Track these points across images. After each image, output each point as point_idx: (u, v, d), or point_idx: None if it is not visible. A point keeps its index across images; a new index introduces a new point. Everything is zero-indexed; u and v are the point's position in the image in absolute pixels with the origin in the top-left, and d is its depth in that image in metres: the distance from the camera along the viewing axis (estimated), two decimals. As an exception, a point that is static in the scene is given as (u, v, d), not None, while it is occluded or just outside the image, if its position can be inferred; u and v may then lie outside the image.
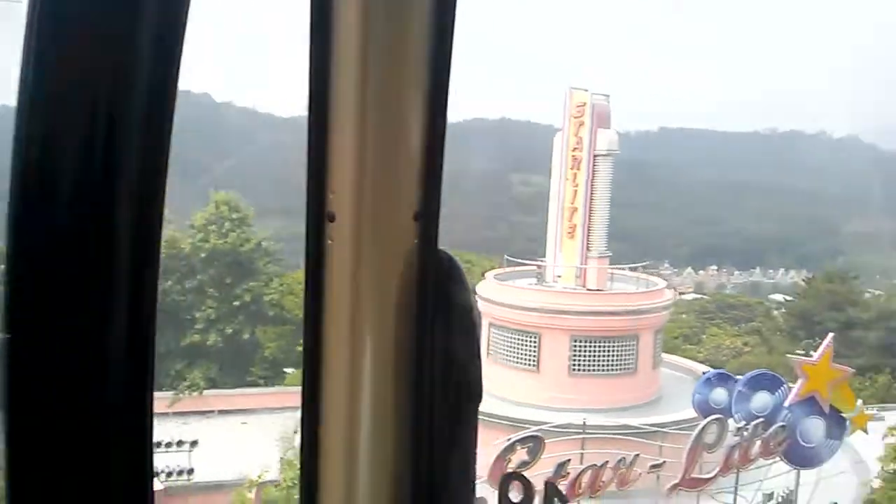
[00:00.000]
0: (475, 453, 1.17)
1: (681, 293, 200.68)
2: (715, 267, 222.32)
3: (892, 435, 24.78)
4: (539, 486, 11.89)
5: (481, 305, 30.85)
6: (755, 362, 44.72)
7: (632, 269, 33.16)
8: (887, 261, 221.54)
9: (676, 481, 22.03)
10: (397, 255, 1.06)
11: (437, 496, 1.13)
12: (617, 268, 32.40)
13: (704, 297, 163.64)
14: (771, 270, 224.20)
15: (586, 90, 29.72)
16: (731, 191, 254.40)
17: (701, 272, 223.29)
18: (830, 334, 24.48)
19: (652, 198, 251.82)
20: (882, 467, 25.16)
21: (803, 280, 74.09)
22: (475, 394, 1.14)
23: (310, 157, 1.02)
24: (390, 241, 1.06)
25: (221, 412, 33.93)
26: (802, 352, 36.21)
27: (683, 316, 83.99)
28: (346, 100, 0.99)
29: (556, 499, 10.96)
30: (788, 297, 70.30)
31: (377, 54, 0.98)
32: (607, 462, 22.20)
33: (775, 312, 75.82)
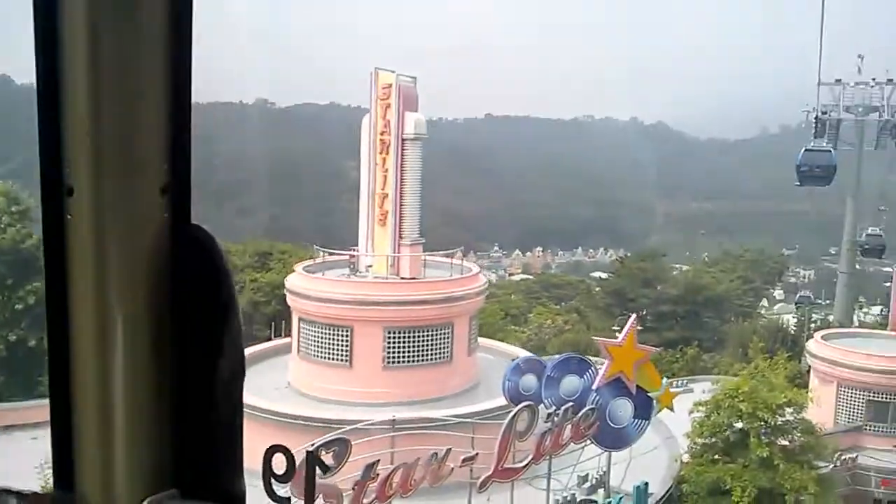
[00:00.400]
0: (241, 432, 1.17)
1: (510, 274, 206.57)
2: (541, 248, 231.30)
3: (698, 410, 25.52)
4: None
5: (290, 300, 28.94)
6: (575, 340, 45.89)
7: (447, 256, 32.39)
8: (694, 239, 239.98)
9: (489, 473, 21.35)
10: (144, 230, 1.04)
11: (202, 476, 1.12)
12: (430, 254, 31.54)
13: (530, 277, 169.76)
14: (592, 250, 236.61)
15: (393, 71, 28.43)
16: (554, 175, 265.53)
17: (528, 254, 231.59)
18: (633, 315, 24.74)
19: (481, 183, 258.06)
20: (690, 442, 25.91)
21: (617, 259, 77.71)
22: (237, 371, 1.14)
23: (41, 127, 0.99)
24: (135, 215, 1.03)
25: (8, 427, 30.04)
26: (618, 328, 37.27)
27: (512, 297, 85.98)
28: (77, 68, 0.96)
29: (317, 467, 10.29)
30: (605, 276, 73.21)
31: (109, 23, 0.95)
32: (419, 459, 21.14)
33: (597, 289, 78.79)
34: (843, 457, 28.79)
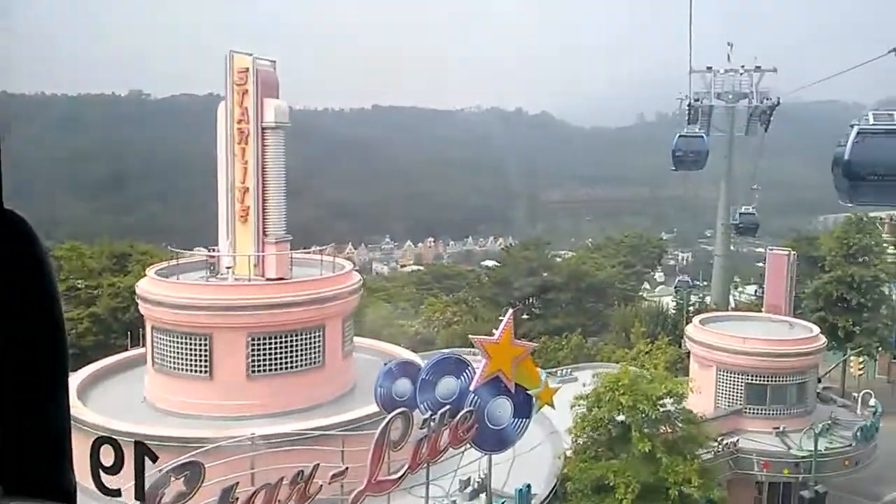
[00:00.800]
0: (68, 428, 1.16)
1: (402, 266, 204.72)
2: (432, 239, 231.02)
3: (579, 404, 24.70)
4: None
5: (142, 307, 26.30)
6: (463, 332, 44.74)
7: (319, 252, 30.41)
8: (580, 225, 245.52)
9: (361, 487, 19.72)
10: None
11: (27, 473, 1.10)
12: (303, 253, 29.53)
13: (421, 268, 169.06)
14: (482, 239, 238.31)
15: (250, 54, 26.14)
16: (443, 165, 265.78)
17: (420, 244, 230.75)
18: (510, 311, 23.56)
19: (371, 174, 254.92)
20: (573, 438, 25.08)
21: (501, 248, 77.42)
22: (60, 366, 1.10)
23: None
24: None
25: None
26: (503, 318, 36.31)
27: (404, 289, 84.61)
28: None
29: (145, 457, 8.96)
30: (493, 265, 72.61)
31: None
32: (283, 478, 19.25)
33: (485, 279, 78.49)
34: (724, 442, 28.83)
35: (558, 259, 65.74)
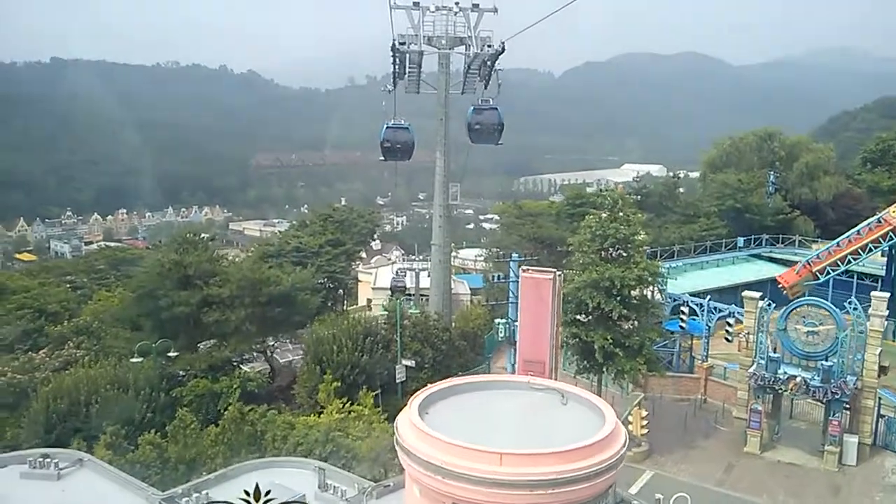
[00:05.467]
0: None
1: (87, 243, 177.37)
2: (124, 210, 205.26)
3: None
4: None
5: None
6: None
7: None
8: (292, 192, 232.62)
9: None
10: None
11: None
12: None
13: (113, 244, 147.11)
14: (184, 209, 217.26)
15: None
16: (135, 127, 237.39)
17: (109, 217, 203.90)
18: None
19: (49, 137, 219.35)
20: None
21: (148, 247, 63.51)
22: None
23: None
24: None
25: None
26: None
27: (85, 279, 67.96)
28: None
29: None
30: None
31: None
32: None
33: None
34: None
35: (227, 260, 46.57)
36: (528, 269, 15.74)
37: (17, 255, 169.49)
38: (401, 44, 31.99)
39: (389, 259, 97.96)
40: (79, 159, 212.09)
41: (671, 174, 78.84)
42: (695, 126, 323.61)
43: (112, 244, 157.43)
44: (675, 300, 34.41)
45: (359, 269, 64.95)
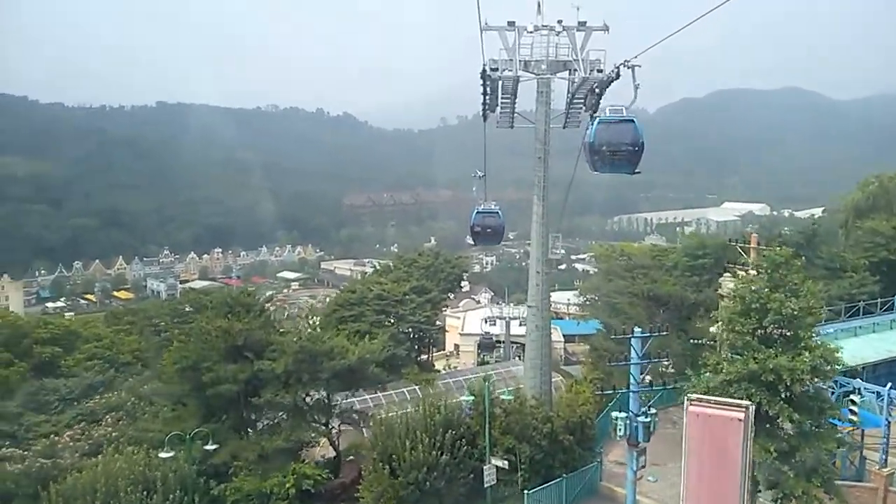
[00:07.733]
0: None
1: (183, 281, 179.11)
2: (219, 249, 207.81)
3: None
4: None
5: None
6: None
7: None
8: (383, 231, 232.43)
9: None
10: None
11: None
12: None
13: (208, 284, 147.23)
14: (278, 248, 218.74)
15: None
16: (234, 168, 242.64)
17: (206, 256, 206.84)
18: None
19: (148, 178, 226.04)
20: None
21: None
22: None
23: None
24: None
25: None
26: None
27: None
28: None
29: None
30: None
31: None
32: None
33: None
34: None
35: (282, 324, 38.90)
36: (698, 400, 9.94)
37: (115, 293, 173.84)
38: (492, 69, 26.65)
39: (478, 301, 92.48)
40: (180, 200, 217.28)
41: (774, 212, 70.39)
42: (798, 162, 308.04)
43: (206, 282, 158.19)
44: (842, 385, 26.97)
45: (446, 312, 60.38)
